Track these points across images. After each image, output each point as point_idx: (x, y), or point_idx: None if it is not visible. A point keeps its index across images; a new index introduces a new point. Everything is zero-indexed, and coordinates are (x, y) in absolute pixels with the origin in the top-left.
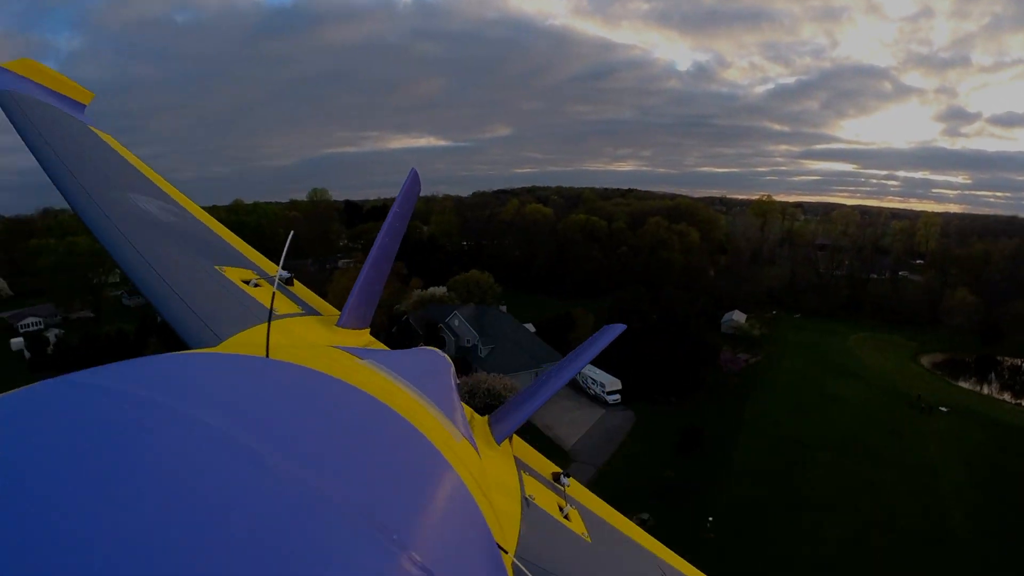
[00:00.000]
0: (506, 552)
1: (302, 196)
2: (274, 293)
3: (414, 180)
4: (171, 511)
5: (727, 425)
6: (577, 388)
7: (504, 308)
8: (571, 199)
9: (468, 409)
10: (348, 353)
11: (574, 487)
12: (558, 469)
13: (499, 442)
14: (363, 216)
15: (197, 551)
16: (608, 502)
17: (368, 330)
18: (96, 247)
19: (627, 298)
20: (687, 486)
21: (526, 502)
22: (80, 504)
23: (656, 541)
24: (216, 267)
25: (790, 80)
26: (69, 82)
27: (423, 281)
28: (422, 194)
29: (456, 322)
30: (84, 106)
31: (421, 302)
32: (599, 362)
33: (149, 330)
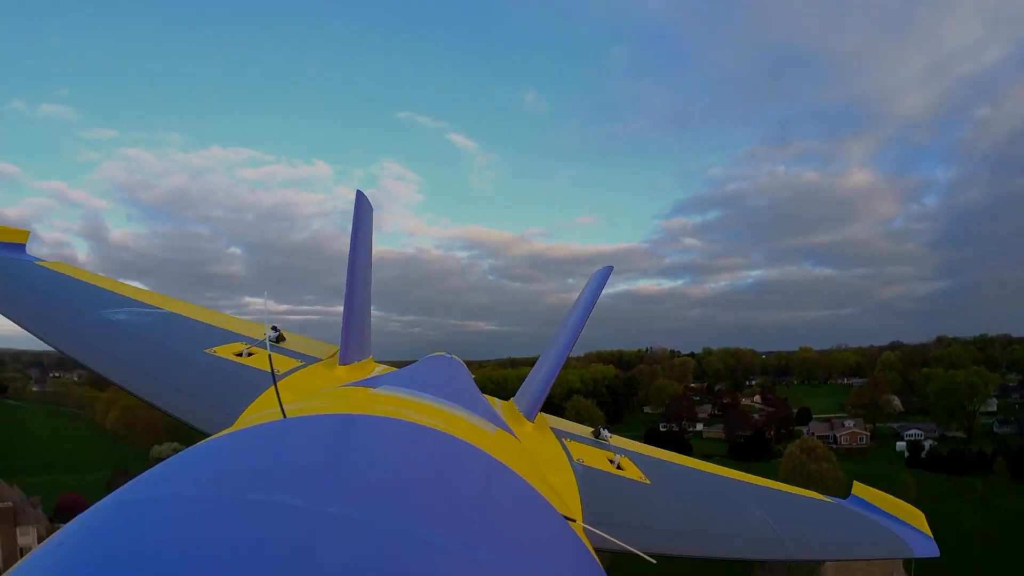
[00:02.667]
0: (574, 520)
1: None
2: (270, 355)
3: (360, 202)
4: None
5: None
6: None
7: None
8: None
9: (491, 399)
10: (361, 387)
11: (617, 439)
12: (593, 428)
13: (531, 419)
14: None
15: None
16: None
17: (372, 358)
18: (974, 380)
19: None
20: None
21: (577, 467)
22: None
23: (714, 465)
24: (206, 350)
25: None
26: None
27: None
28: None
29: None
30: (23, 245)
31: None
32: None
33: (1008, 453)
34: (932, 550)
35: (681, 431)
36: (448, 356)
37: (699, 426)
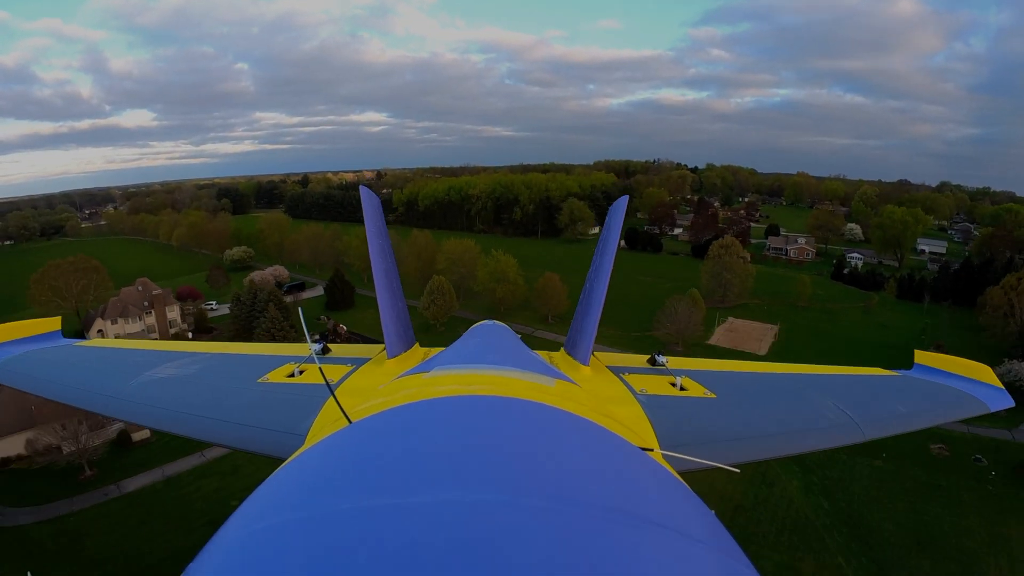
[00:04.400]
0: (652, 450)
1: None
2: (320, 368)
3: (368, 198)
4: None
5: None
6: None
7: None
8: None
9: (544, 352)
10: (414, 374)
11: (674, 361)
12: (647, 356)
13: (585, 363)
14: None
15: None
16: None
17: (417, 345)
18: (907, 219)
19: None
20: None
21: (641, 398)
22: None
23: (779, 364)
24: (258, 380)
25: None
26: (30, 323)
27: None
28: None
29: None
30: (58, 331)
31: None
32: None
33: (902, 279)
34: (1006, 401)
35: (661, 233)
36: (491, 322)
37: (677, 231)
